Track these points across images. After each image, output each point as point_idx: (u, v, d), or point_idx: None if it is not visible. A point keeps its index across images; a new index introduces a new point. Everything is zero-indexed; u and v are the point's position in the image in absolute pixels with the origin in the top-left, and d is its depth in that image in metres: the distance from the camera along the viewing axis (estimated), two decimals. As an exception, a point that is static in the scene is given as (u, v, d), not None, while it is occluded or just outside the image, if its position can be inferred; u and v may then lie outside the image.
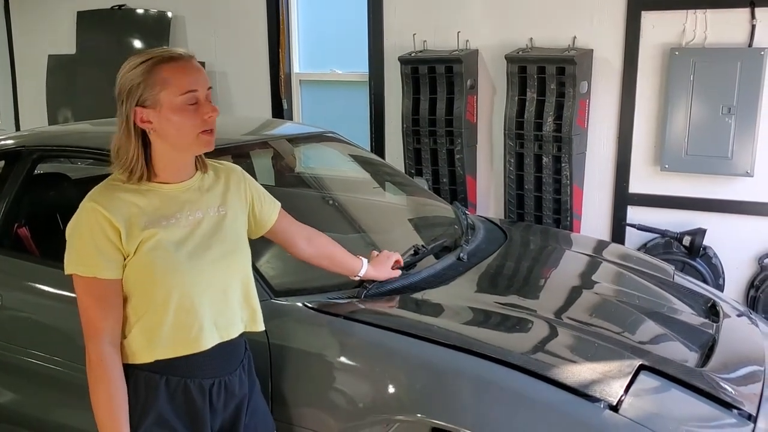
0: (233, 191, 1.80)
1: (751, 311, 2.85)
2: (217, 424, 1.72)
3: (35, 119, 5.81)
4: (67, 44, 5.66)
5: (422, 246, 2.50)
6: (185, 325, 1.64)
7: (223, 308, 1.70)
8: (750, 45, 3.65)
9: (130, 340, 1.64)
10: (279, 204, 1.96)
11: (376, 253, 2.26)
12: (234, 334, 1.74)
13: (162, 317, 1.62)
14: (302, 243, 2.03)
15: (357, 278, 2.15)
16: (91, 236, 1.59)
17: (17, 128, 6.12)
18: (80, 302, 1.63)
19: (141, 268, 1.61)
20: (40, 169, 2.85)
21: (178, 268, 1.63)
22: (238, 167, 1.89)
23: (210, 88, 1.67)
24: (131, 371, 1.64)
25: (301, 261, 2.08)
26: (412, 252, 2.41)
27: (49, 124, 5.52)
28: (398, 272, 2.26)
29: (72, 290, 2.33)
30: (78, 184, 3.13)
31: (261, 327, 1.80)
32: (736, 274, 3.92)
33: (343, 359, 1.93)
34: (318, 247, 2.06)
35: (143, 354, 1.64)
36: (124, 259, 1.62)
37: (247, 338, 1.82)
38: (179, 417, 1.67)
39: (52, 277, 2.43)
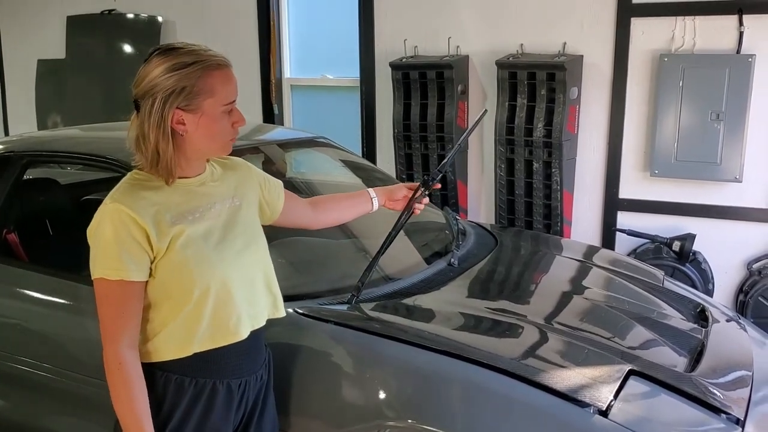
0: (243, 181, 1.81)
1: (740, 316, 2.87)
2: (237, 420, 1.74)
3: (24, 124, 5.77)
4: (56, 49, 5.63)
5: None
6: (224, 316, 1.65)
7: (252, 297, 1.73)
8: (738, 51, 3.68)
9: (166, 337, 1.62)
10: (281, 182, 1.96)
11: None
12: (262, 321, 1.76)
13: (201, 311, 1.62)
14: (310, 211, 2.04)
15: (375, 207, 2.14)
16: (117, 238, 1.55)
17: (6, 133, 6.09)
18: (101, 305, 1.59)
19: (175, 266, 1.60)
20: (30, 174, 2.84)
21: (212, 261, 1.63)
22: (239, 158, 1.89)
23: None
24: (160, 374, 1.63)
25: (301, 268, 2.09)
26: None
27: (38, 129, 5.50)
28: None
29: (61, 297, 2.37)
30: (68, 189, 3.13)
31: (283, 313, 1.82)
32: (725, 279, 3.94)
33: (333, 365, 1.93)
34: (324, 204, 2.08)
35: (181, 349, 1.63)
36: (151, 261, 1.59)
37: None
38: (199, 421, 1.66)
39: (41, 283, 2.42)
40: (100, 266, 1.57)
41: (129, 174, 1.67)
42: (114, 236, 1.55)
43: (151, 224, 1.57)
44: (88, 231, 1.60)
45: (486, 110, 2.35)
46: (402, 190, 2.16)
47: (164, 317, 1.62)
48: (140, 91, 1.59)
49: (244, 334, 1.69)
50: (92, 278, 1.59)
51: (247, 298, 1.71)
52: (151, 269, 1.60)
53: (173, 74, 1.56)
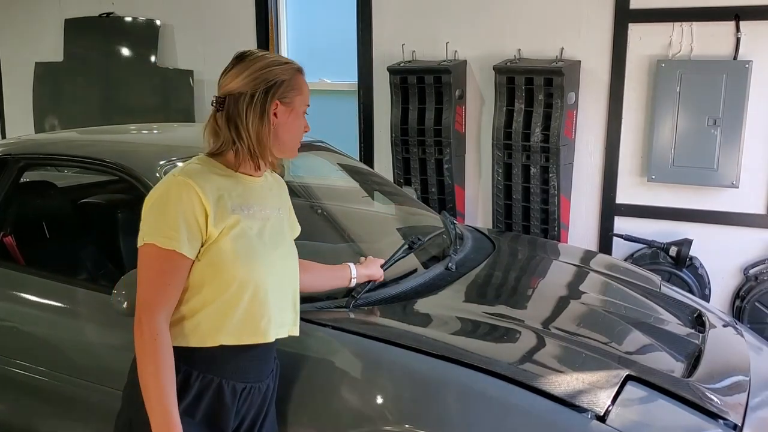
0: (284, 199, 1.87)
1: (737, 321, 2.87)
2: (235, 424, 1.74)
3: (22, 127, 5.77)
4: (54, 52, 5.63)
5: (416, 239, 2.49)
6: (256, 315, 1.66)
7: (282, 306, 1.75)
8: (735, 57, 3.70)
9: (196, 323, 1.63)
10: (299, 229, 1.96)
11: (363, 258, 2.27)
12: (284, 333, 1.78)
13: (235, 304, 1.63)
14: None
15: (353, 282, 2.16)
16: (180, 209, 1.58)
17: (3, 136, 6.08)
18: (146, 273, 1.59)
19: (223, 253, 1.61)
20: (27, 177, 2.83)
21: (259, 257, 1.66)
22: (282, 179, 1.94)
23: None
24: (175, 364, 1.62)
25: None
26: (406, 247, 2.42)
27: (35, 132, 5.49)
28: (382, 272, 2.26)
29: (58, 300, 2.36)
30: (64, 192, 3.12)
31: (297, 332, 1.83)
32: (722, 284, 3.95)
33: (330, 369, 1.93)
34: (307, 268, 2.02)
35: (209, 338, 1.63)
36: (202, 244, 1.61)
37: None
38: (201, 417, 1.66)
39: (37, 286, 2.42)
40: (154, 232, 1.58)
41: (196, 157, 1.71)
42: (177, 207, 1.58)
43: (213, 206, 1.61)
44: (147, 198, 1.63)
45: (413, 239, 2.51)
46: (378, 262, 2.26)
47: (198, 303, 1.63)
48: (235, 87, 1.65)
49: (270, 338, 1.71)
50: (139, 245, 1.60)
51: (279, 305, 1.73)
52: (199, 251, 1.62)
53: (275, 68, 1.67)
